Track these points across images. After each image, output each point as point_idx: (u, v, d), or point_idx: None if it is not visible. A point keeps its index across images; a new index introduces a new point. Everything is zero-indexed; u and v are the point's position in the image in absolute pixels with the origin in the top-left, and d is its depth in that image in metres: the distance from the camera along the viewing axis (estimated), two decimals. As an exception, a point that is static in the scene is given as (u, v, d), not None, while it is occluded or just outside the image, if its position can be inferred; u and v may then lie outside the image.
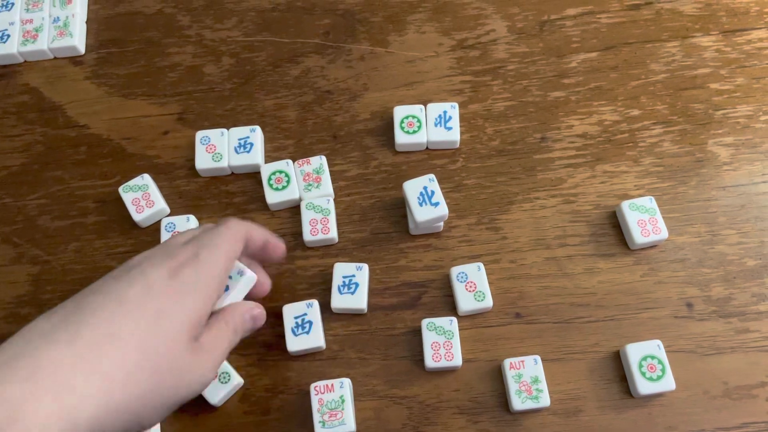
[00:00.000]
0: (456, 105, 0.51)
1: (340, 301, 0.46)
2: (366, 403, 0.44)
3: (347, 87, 0.54)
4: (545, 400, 0.42)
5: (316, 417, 0.41)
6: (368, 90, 0.54)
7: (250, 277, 0.40)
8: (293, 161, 0.50)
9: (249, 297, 0.41)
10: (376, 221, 0.49)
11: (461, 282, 0.46)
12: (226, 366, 0.44)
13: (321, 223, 0.48)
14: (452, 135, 0.50)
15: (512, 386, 0.43)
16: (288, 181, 0.49)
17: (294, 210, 0.50)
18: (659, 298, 0.46)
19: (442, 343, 0.44)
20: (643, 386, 0.42)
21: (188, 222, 0.48)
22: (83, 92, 0.55)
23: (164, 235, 0.48)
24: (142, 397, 0.32)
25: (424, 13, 0.56)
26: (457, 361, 0.44)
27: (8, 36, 0.56)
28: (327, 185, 0.49)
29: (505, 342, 0.45)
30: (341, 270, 0.46)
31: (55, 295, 0.48)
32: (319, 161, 0.50)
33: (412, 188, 0.46)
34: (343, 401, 0.42)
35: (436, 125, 0.51)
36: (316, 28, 0.56)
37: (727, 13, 0.55)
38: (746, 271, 0.46)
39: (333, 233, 0.48)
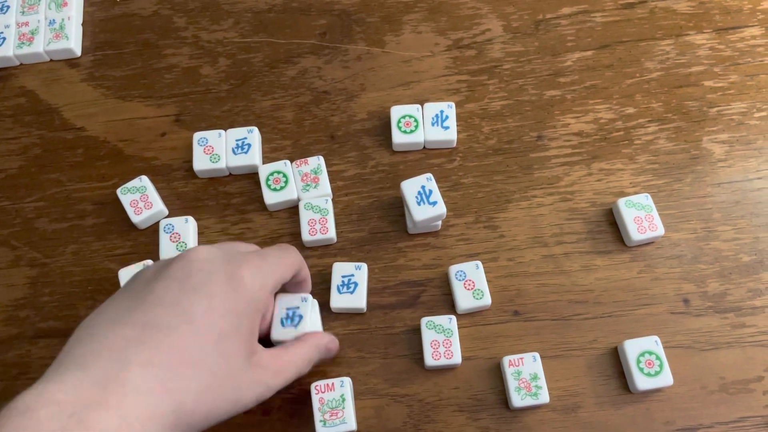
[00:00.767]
0: (453, 104, 0.51)
1: (339, 301, 0.46)
2: (366, 401, 0.44)
3: (344, 87, 0.54)
4: (544, 397, 0.42)
5: (317, 416, 0.41)
6: (365, 90, 0.54)
7: (314, 301, 0.44)
8: (291, 162, 0.50)
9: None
10: (374, 221, 0.50)
11: (460, 280, 0.46)
12: (227, 366, 0.44)
13: (319, 223, 0.48)
14: (449, 134, 0.51)
15: (511, 383, 0.43)
16: (286, 182, 0.49)
17: (292, 210, 0.50)
18: (656, 295, 0.46)
19: (442, 342, 0.44)
20: (641, 382, 0.43)
21: (186, 223, 0.48)
22: (80, 94, 0.55)
23: (163, 237, 0.48)
24: (205, 416, 0.34)
25: (419, 13, 0.56)
26: (457, 359, 0.44)
27: (4, 39, 0.56)
28: (325, 185, 0.50)
29: (504, 339, 0.46)
30: (340, 269, 0.47)
31: (53, 298, 0.48)
32: (317, 161, 0.50)
33: (409, 188, 0.46)
34: (343, 400, 0.42)
35: (433, 125, 0.51)
36: (312, 28, 0.56)
37: (720, 11, 0.55)
38: (742, 266, 0.47)
39: (331, 233, 0.48)
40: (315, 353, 0.41)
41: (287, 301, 0.42)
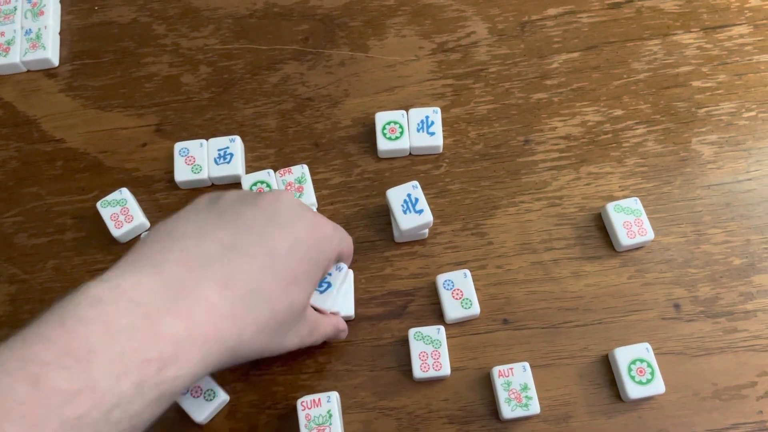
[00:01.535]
0: (438, 110, 0.50)
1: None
2: (354, 415, 0.43)
3: (328, 93, 0.53)
4: (535, 408, 0.42)
5: (304, 432, 0.41)
6: (349, 96, 0.53)
7: (349, 272, 0.45)
8: (275, 171, 0.49)
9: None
10: (360, 230, 0.49)
11: (448, 290, 0.45)
12: (211, 382, 0.43)
13: (304, 233, 0.47)
14: (435, 140, 0.50)
15: (501, 394, 0.42)
16: (269, 192, 0.48)
17: (277, 220, 0.49)
18: (647, 300, 0.46)
19: (430, 353, 0.43)
20: (633, 390, 0.42)
21: (169, 236, 0.47)
22: (58, 105, 0.54)
23: (144, 251, 0.47)
24: (257, 350, 0.35)
25: (403, 17, 0.56)
26: (446, 370, 0.43)
27: (-21, 49, 0.54)
28: (310, 194, 0.49)
29: (493, 349, 0.45)
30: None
31: (34, 315, 0.47)
32: (301, 170, 0.49)
33: (395, 196, 0.45)
34: (330, 416, 0.41)
35: (418, 131, 0.50)
36: (294, 34, 0.56)
37: (707, 10, 0.55)
38: (733, 270, 0.46)
39: (317, 243, 0.47)
40: (332, 331, 0.42)
41: (340, 271, 0.43)
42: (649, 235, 0.46)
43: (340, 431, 0.41)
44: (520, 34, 0.54)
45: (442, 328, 0.44)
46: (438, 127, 0.50)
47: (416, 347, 0.44)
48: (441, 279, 0.46)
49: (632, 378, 0.42)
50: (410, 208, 0.45)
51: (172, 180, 0.50)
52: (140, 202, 0.50)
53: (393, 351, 0.45)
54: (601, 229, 0.48)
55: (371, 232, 0.49)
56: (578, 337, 0.45)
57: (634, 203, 0.47)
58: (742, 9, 0.54)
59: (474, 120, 0.52)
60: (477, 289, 0.46)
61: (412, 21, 0.55)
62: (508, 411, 0.42)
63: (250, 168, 0.51)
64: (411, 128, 0.50)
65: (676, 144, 0.50)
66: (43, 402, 0.26)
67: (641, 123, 0.51)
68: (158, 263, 0.33)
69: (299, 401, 0.41)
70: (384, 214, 0.49)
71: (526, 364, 0.43)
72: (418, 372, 0.43)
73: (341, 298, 0.44)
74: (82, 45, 0.56)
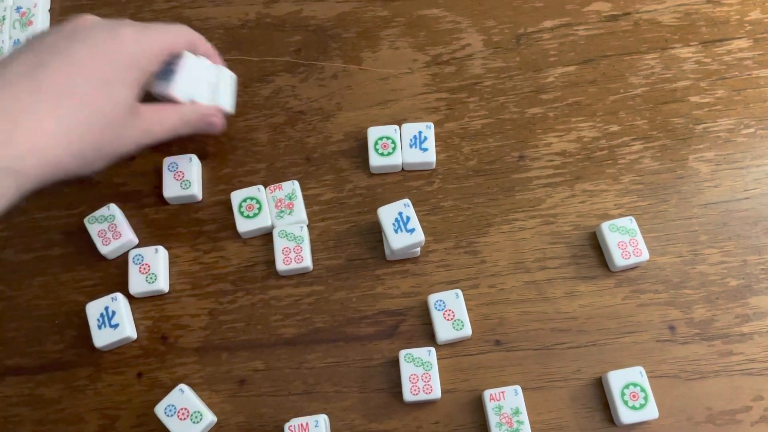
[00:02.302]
0: (431, 125, 0.50)
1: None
2: (343, 438, 0.43)
3: (320, 107, 0.52)
4: (526, 432, 0.41)
5: (292, 457, 0.40)
6: (342, 109, 0.52)
7: (233, 75, 0.49)
8: (265, 187, 0.49)
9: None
10: (351, 247, 0.48)
11: (439, 310, 0.45)
12: (198, 404, 0.43)
13: (294, 251, 0.46)
14: (428, 156, 0.49)
15: (492, 419, 0.42)
16: (260, 208, 0.48)
17: (267, 237, 0.48)
18: (641, 322, 0.45)
19: (420, 375, 0.43)
20: (626, 415, 0.41)
21: (156, 253, 0.47)
22: (46, 117, 0.53)
23: (132, 268, 0.46)
24: (93, 148, 0.39)
25: (397, 28, 0.55)
26: (436, 393, 0.42)
27: (-34, 60, 0.54)
28: (300, 211, 0.48)
29: (485, 371, 0.44)
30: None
31: (21, 333, 0.47)
32: (292, 186, 0.48)
33: (387, 214, 0.45)
34: (318, 440, 0.40)
35: (411, 146, 0.49)
36: (286, 45, 0.55)
37: (706, 23, 0.54)
38: (729, 291, 0.45)
39: (307, 261, 0.46)
40: (193, 117, 0.45)
41: (180, 59, 0.44)
42: (644, 255, 0.45)
43: (328, 456, 0.40)
44: (515, 47, 0.54)
45: (433, 349, 0.44)
46: (431, 143, 0.49)
47: (407, 369, 0.43)
48: (432, 299, 0.45)
49: (625, 402, 0.42)
50: (401, 227, 0.44)
51: (160, 195, 0.49)
52: (128, 217, 0.49)
53: (383, 372, 0.44)
54: (595, 247, 0.47)
55: (363, 249, 0.48)
56: (571, 359, 0.44)
57: (630, 222, 0.46)
58: (741, 22, 0.53)
59: (468, 135, 0.51)
60: (469, 309, 0.45)
61: (406, 33, 0.54)
62: (499, 436, 0.41)
63: (240, 183, 0.50)
64: (403, 144, 0.49)
65: (672, 161, 0.49)
66: None
67: (638, 139, 0.50)
68: None
69: (287, 425, 0.41)
70: (376, 231, 0.48)
71: (518, 388, 0.42)
72: (408, 395, 0.42)
73: (206, 89, 0.46)
74: (71, 55, 0.55)
